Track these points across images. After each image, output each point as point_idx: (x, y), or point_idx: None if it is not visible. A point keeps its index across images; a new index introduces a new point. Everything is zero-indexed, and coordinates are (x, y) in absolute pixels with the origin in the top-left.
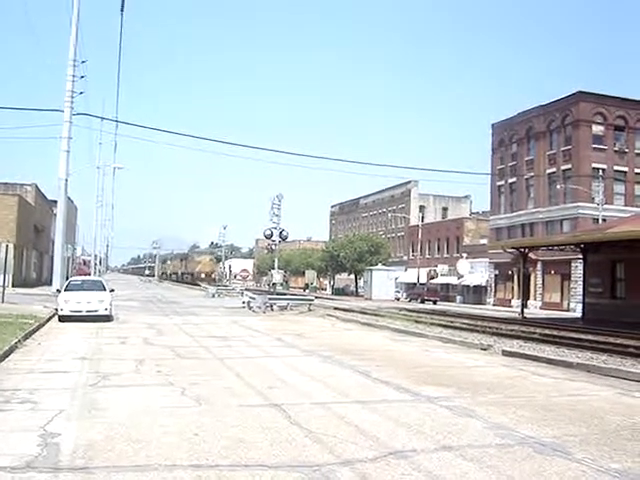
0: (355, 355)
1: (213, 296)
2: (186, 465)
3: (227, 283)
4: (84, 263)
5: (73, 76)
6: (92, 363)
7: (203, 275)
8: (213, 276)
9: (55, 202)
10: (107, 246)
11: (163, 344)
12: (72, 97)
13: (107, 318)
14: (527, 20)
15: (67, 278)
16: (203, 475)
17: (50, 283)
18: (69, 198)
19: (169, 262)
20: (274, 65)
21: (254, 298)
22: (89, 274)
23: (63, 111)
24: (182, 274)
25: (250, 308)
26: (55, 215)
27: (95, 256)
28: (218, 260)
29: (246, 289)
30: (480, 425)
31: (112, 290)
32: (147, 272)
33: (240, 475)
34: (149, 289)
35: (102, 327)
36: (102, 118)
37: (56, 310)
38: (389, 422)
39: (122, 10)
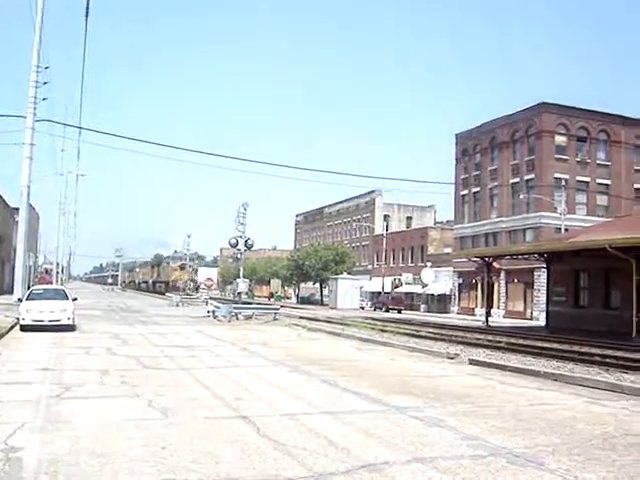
0: (322, 365)
1: (177, 305)
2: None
3: (191, 292)
4: (46, 272)
5: (36, 82)
6: (55, 374)
7: (180, 283)
8: (191, 285)
9: (17, 209)
10: (69, 254)
11: (128, 354)
12: (35, 103)
13: (70, 327)
14: (495, 30)
15: (29, 287)
16: None
17: (11, 292)
18: (31, 205)
19: (138, 270)
20: (232, 73)
21: (219, 307)
22: (51, 283)
23: (25, 117)
24: (154, 282)
25: (215, 317)
26: (17, 223)
27: (57, 264)
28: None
29: (211, 298)
30: (452, 436)
31: (75, 299)
32: (110, 281)
33: None
34: (112, 298)
35: (65, 337)
36: (65, 125)
37: (17, 319)
38: (360, 433)
39: (86, 16)
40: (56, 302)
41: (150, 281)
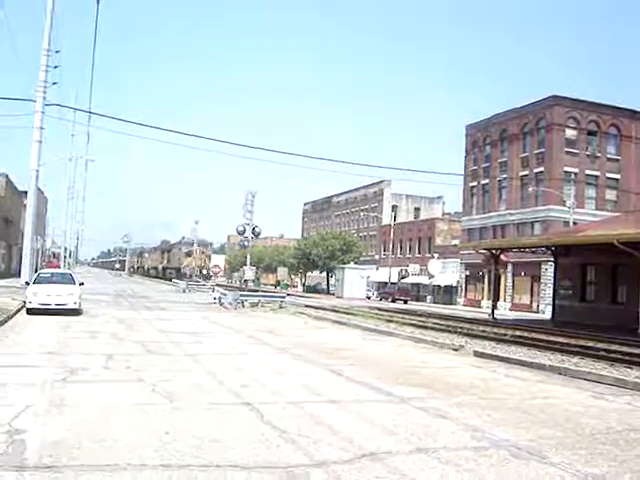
0: (328, 354)
1: (184, 291)
2: (156, 465)
3: (201, 279)
4: (54, 256)
5: (47, 66)
6: (60, 358)
7: (187, 269)
8: (204, 272)
9: (26, 193)
10: (77, 239)
11: (133, 339)
12: (45, 87)
13: (76, 312)
14: (504, 22)
15: (36, 270)
16: (174, 475)
17: (19, 275)
18: (40, 189)
19: (147, 255)
20: (252, 60)
21: (225, 294)
22: (59, 267)
23: (35, 101)
24: (164, 269)
25: (221, 304)
26: (25, 206)
27: (65, 249)
28: (188, 255)
29: (217, 285)
30: (455, 427)
31: (82, 283)
32: (117, 266)
33: (212, 476)
34: (119, 283)
35: (71, 321)
36: (75, 109)
37: (24, 303)
38: (363, 422)
39: (98, 1)
40: (63, 286)
41: (160, 267)
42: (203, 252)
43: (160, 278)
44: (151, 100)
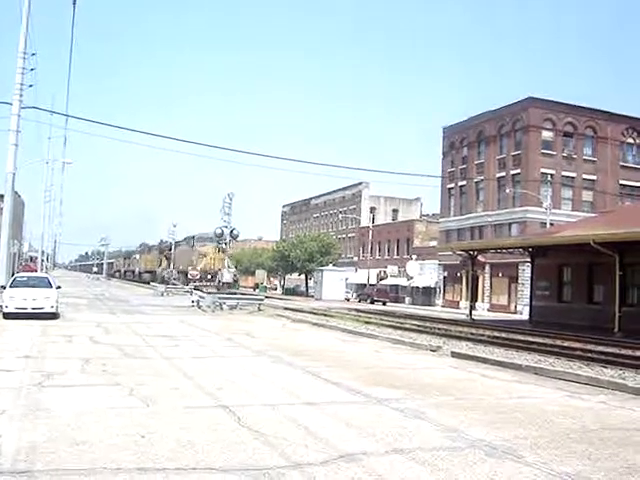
0: (305, 356)
1: (162, 295)
2: (132, 468)
3: (176, 282)
4: (31, 259)
5: (23, 68)
6: (37, 362)
7: (208, 275)
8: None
9: (2, 196)
10: (55, 242)
11: (110, 343)
12: (21, 90)
13: (53, 316)
14: (479, 24)
15: (13, 274)
16: (149, 479)
17: None
18: (16, 193)
19: (137, 256)
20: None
21: (203, 297)
22: (35, 270)
23: (12, 104)
24: (164, 272)
25: (199, 307)
26: (1, 209)
27: (42, 252)
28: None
29: (195, 288)
30: (431, 427)
31: (59, 287)
32: (95, 269)
33: (188, 479)
34: (97, 287)
35: (48, 325)
36: (52, 112)
37: (0, 307)
38: (340, 424)
39: (74, 2)
40: (40, 290)
41: (159, 270)
42: (222, 251)
43: (164, 284)
44: (136, 99)
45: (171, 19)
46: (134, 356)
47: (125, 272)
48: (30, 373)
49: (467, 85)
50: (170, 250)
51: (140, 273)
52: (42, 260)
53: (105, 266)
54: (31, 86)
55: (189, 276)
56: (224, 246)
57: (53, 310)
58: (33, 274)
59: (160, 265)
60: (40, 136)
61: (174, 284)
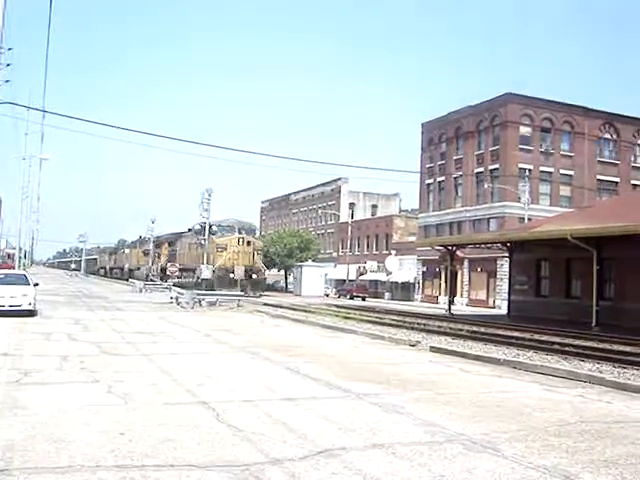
0: (285, 352)
1: (140, 291)
2: (110, 465)
3: (155, 279)
4: (8, 256)
5: None
6: (14, 359)
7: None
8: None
9: None
10: (32, 239)
11: (88, 340)
12: None
13: (31, 313)
14: (460, 21)
15: None
16: (128, 476)
17: None
18: None
19: (126, 251)
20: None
21: (182, 294)
22: (13, 267)
23: None
24: (162, 270)
25: (178, 304)
26: None
27: (20, 249)
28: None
29: (174, 284)
30: (410, 422)
31: (36, 284)
32: (73, 266)
33: (167, 475)
34: (75, 283)
35: (25, 322)
36: (28, 107)
37: None
38: (318, 419)
39: None
40: (17, 287)
41: (157, 266)
42: (249, 243)
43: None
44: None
45: (147, 17)
46: (112, 353)
47: (112, 269)
48: (7, 371)
49: (457, 86)
50: (176, 241)
51: (131, 270)
52: (20, 257)
53: (83, 263)
54: (7, 81)
55: (167, 272)
56: (203, 242)
57: (31, 307)
58: (10, 271)
59: (157, 262)
60: (17, 132)
61: (152, 281)
